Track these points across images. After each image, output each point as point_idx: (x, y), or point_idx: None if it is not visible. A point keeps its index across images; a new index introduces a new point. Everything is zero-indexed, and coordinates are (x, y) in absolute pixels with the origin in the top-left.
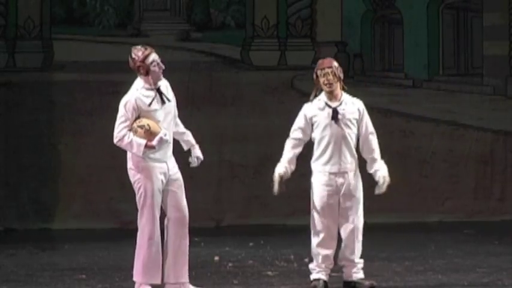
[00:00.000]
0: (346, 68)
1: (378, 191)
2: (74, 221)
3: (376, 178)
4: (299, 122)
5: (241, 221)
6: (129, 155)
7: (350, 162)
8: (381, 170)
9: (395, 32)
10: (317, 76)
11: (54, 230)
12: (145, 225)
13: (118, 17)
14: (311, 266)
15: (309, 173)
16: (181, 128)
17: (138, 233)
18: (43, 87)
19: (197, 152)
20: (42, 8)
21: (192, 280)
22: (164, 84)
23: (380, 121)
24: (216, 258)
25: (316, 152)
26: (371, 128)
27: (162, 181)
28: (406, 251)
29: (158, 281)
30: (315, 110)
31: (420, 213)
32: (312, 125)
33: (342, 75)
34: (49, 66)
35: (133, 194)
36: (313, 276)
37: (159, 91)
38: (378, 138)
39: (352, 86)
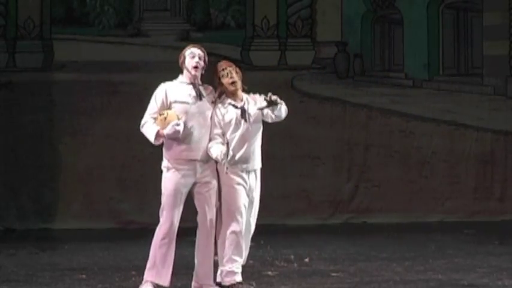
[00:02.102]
0: (347, 68)
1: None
2: (74, 221)
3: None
4: (216, 121)
5: None
6: (163, 154)
7: (258, 160)
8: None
9: (395, 32)
10: (219, 79)
11: (54, 230)
12: (162, 225)
13: (118, 17)
14: (233, 268)
15: (308, 173)
16: None
17: (156, 232)
18: (43, 87)
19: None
20: (42, 8)
21: (192, 280)
22: (206, 88)
23: (380, 121)
24: (216, 258)
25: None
26: None
27: (186, 183)
28: (406, 251)
29: (165, 283)
30: (222, 110)
31: (420, 213)
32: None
33: (241, 76)
34: (49, 66)
35: (133, 194)
36: (237, 278)
37: (196, 87)
38: (378, 138)
39: (352, 86)
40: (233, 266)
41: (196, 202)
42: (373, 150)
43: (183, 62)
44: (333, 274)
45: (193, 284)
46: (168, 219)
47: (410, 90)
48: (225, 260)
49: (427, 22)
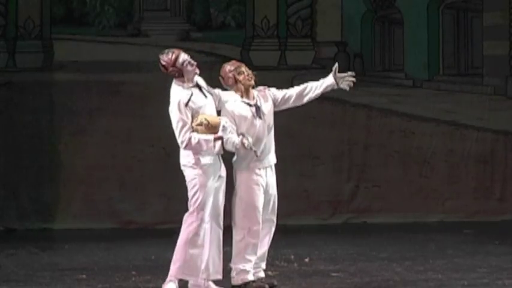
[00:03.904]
0: (347, 68)
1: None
2: (74, 221)
3: (334, 77)
4: (229, 117)
5: None
6: (183, 152)
7: (273, 155)
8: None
9: (395, 32)
10: (235, 78)
11: (55, 230)
12: (194, 222)
13: (118, 17)
14: (246, 267)
15: (308, 173)
16: None
17: (184, 227)
18: (43, 87)
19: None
20: (42, 8)
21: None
22: (200, 81)
23: (380, 121)
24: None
25: (241, 150)
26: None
27: (215, 178)
28: (406, 251)
29: (195, 279)
30: (237, 109)
31: (420, 213)
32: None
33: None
34: (49, 66)
35: (133, 194)
36: (250, 277)
37: (198, 86)
38: (378, 138)
39: (352, 86)
40: (246, 265)
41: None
42: (373, 150)
43: (182, 73)
44: (333, 274)
45: (191, 282)
46: (205, 217)
47: (410, 90)
48: (238, 258)
49: (427, 22)
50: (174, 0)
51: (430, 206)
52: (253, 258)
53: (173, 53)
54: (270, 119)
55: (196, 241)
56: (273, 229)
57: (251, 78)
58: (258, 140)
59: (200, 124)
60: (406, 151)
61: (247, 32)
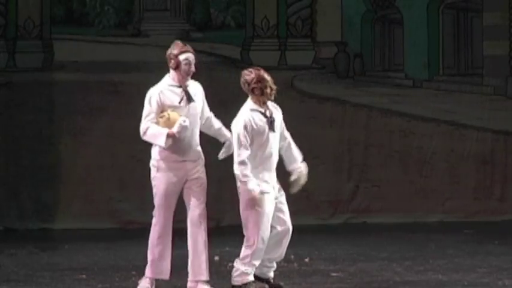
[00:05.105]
0: (347, 68)
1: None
2: (74, 221)
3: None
4: (244, 139)
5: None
6: (151, 152)
7: (276, 165)
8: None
9: (395, 32)
10: (261, 88)
11: (55, 230)
12: (156, 224)
13: (118, 17)
14: (249, 270)
15: (309, 173)
16: (217, 124)
17: (151, 230)
18: (43, 87)
19: (228, 145)
20: (42, 8)
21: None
22: (194, 86)
23: (380, 121)
24: (216, 258)
25: (254, 161)
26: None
27: (178, 182)
28: (406, 251)
29: (166, 276)
30: (252, 121)
31: (420, 213)
32: (251, 135)
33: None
34: (49, 66)
35: (133, 194)
36: (250, 278)
37: (186, 90)
38: (378, 138)
39: (352, 86)
40: (249, 269)
41: (185, 197)
42: (373, 150)
43: (177, 66)
44: (333, 274)
45: (188, 284)
46: (162, 218)
47: (410, 90)
48: (243, 262)
49: (427, 22)
50: (174, 0)
51: (430, 206)
52: (257, 262)
53: (184, 46)
54: (279, 132)
55: (161, 242)
56: (290, 231)
57: (274, 95)
58: (269, 155)
59: (161, 117)
60: (406, 151)
61: (247, 32)
